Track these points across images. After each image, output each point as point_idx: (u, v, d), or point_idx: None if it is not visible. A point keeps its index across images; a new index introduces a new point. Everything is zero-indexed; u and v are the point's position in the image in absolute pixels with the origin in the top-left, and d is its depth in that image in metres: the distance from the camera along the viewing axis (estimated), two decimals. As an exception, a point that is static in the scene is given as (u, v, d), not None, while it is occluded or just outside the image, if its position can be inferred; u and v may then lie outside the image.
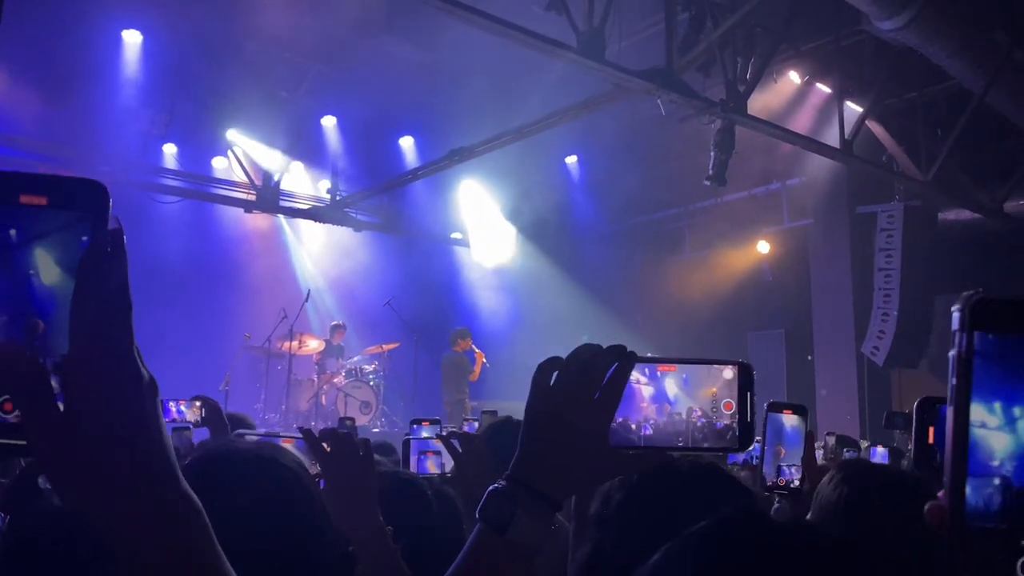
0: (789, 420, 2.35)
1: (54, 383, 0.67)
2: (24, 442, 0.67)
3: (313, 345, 11.52)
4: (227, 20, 9.10)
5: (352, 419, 4.74)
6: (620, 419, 1.05)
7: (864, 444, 5.31)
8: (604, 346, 1.04)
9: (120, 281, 0.68)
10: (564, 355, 1.05)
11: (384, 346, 11.89)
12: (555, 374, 1.03)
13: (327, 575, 1.34)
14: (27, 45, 8.63)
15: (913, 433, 1.68)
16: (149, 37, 9.74)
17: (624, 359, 1.03)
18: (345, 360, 11.60)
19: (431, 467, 2.75)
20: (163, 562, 0.70)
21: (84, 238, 0.68)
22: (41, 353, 0.67)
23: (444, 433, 2.59)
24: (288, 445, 1.66)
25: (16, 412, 0.67)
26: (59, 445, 0.67)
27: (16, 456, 0.68)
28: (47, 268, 0.69)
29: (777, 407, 2.37)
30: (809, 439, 2.35)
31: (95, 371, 0.67)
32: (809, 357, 11.61)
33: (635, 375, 1.05)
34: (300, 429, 1.89)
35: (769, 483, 2.33)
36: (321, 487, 1.76)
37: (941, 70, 8.63)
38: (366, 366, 11.55)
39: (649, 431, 1.07)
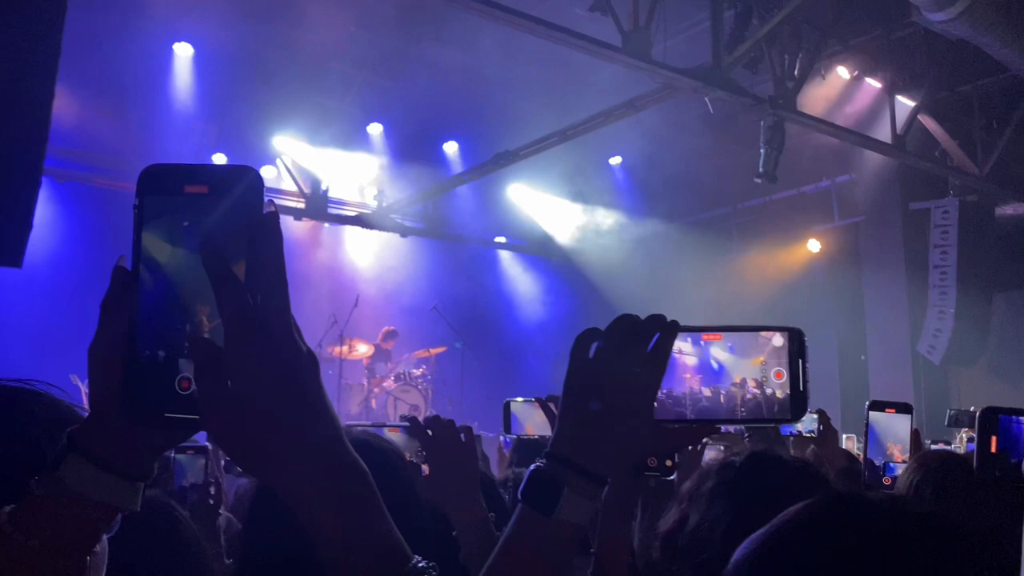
0: (892, 419, 2.32)
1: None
2: (197, 416, 0.73)
3: (363, 350, 11.63)
4: (276, 32, 9.25)
5: (413, 417, 4.78)
6: (665, 390, 1.01)
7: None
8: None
9: (277, 261, 0.74)
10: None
11: (431, 350, 11.95)
12: (594, 346, 0.99)
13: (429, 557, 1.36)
14: (82, 60, 8.86)
15: (976, 442, 1.63)
16: (200, 50, 9.95)
17: (666, 328, 0.98)
18: (393, 364, 11.69)
19: (528, 428, 2.79)
20: (345, 533, 0.76)
21: (241, 222, 0.74)
22: (210, 332, 0.74)
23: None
24: (393, 435, 1.69)
25: (192, 388, 0.74)
26: (228, 417, 0.73)
27: (194, 431, 0.76)
28: None
29: (879, 406, 2.33)
30: (915, 437, 2.30)
31: (258, 347, 0.73)
32: (863, 357, 11.39)
33: (678, 344, 1.01)
34: (405, 418, 1.94)
35: (873, 481, 2.29)
36: (424, 474, 1.80)
37: (995, 61, 8.42)
38: (414, 370, 11.61)
39: (699, 403, 1.03)
